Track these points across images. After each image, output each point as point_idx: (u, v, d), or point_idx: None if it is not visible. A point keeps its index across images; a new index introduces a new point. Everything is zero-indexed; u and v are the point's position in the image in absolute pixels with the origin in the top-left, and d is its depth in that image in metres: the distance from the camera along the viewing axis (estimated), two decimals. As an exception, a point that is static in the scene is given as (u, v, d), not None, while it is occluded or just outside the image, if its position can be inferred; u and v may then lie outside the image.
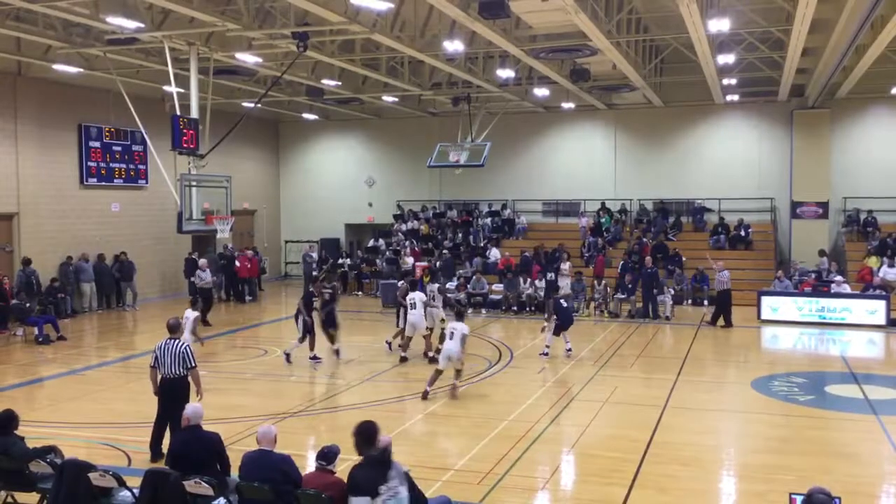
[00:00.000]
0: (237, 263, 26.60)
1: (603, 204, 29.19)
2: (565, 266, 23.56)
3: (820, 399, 13.52)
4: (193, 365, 9.81)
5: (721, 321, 20.96)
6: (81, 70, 21.11)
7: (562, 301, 17.49)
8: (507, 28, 17.73)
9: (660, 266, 24.11)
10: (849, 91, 25.07)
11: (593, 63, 21.53)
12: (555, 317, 16.65)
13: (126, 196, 25.70)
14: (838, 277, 22.81)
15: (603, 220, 28.71)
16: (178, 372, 9.75)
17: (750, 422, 12.40)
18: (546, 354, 16.64)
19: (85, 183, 24.17)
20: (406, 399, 13.31)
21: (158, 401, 9.91)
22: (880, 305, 20.88)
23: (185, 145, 17.16)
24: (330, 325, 16.38)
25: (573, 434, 11.27)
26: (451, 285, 25.08)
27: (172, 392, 9.74)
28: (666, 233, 27.58)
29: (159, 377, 9.87)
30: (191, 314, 14.30)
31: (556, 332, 16.66)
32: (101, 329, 21.58)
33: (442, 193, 31.86)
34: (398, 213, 31.66)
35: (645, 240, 26.75)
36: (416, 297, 16.21)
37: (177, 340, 9.89)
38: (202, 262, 22.92)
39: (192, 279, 23.26)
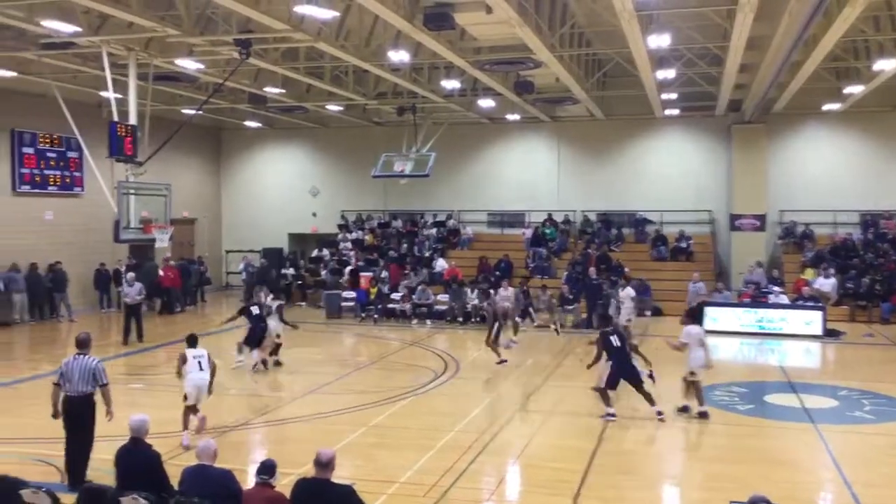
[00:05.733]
0: (161, 273, 25.81)
1: (549, 215, 29.41)
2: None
3: (759, 408, 13.78)
4: (106, 382, 9.31)
5: None
6: (15, 74, 20.42)
7: (612, 338, 12.60)
8: (452, 39, 17.74)
9: (603, 277, 24.35)
10: (784, 106, 25.75)
11: (537, 76, 21.71)
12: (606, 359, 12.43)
13: (61, 204, 24.94)
14: (776, 288, 23.39)
15: (548, 231, 28.89)
16: (84, 389, 9.18)
17: (691, 431, 12.55)
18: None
19: (17, 190, 23.42)
20: (351, 411, 13.13)
21: (64, 422, 9.30)
22: (816, 316, 21.44)
23: (123, 152, 16.76)
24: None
25: (519, 445, 11.25)
26: (395, 296, 25.03)
27: (75, 411, 9.22)
28: (609, 244, 27.89)
29: (63, 396, 9.26)
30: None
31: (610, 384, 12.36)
32: (33, 341, 20.86)
33: (387, 204, 31.70)
34: (343, 223, 31.42)
35: (589, 251, 27.01)
36: None
37: (86, 355, 9.34)
38: (129, 275, 20.75)
39: (119, 289, 22.35)
